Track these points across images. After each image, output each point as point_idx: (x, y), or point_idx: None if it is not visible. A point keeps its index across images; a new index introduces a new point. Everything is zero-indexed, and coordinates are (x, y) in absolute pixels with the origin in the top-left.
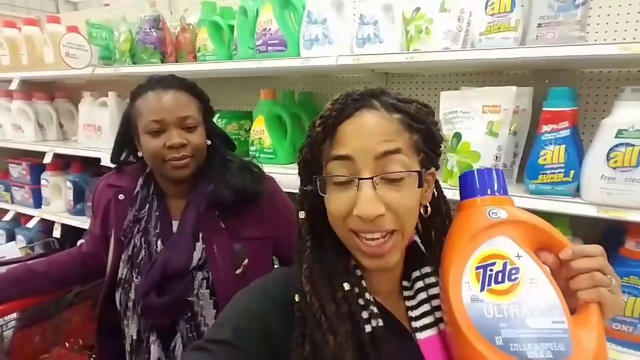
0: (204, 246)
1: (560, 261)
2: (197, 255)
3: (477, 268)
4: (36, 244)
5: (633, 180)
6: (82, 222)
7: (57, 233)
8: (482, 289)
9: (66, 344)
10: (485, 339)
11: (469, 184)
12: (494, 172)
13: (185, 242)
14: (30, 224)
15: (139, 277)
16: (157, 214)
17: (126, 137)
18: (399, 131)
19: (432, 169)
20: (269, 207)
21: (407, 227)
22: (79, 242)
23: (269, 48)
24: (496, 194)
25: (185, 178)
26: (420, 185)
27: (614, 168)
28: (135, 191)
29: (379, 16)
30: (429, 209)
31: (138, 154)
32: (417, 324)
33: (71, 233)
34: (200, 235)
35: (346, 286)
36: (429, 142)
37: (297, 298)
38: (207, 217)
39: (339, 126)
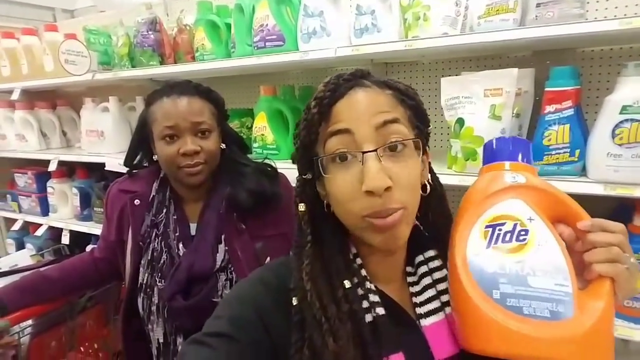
0: (227, 248)
1: (577, 233)
2: (220, 257)
3: (486, 227)
4: (46, 251)
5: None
6: (90, 228)
7: (65, 239)
8: (487, 246)
9: (81, 348)
10: (483, 292)
11: (491, 149)
12: (518, 140)
13: (208, 244)
14: (39, 232)
15: (162, 281)
16: (175, 217)
17: (142, 142)
18: (393, 104)
19: (427, 149)
20: (286, 203)
21: (412, 203)
22: (88, 247)
23: (267, 44)
24: (519, 161)
25: (199, 184)
26: (424, 152)
27: (620, 145)
28: (151, 196)
29: (376, 5)
30: (428, 187)
31: (153, 157)
32: (421, 310)
33: (80, 239)
34: (223, 237)
35: (347, 284)
36: (420, 119)
37: (295, 301)
38: (227, 219)
39: (334, 105)
